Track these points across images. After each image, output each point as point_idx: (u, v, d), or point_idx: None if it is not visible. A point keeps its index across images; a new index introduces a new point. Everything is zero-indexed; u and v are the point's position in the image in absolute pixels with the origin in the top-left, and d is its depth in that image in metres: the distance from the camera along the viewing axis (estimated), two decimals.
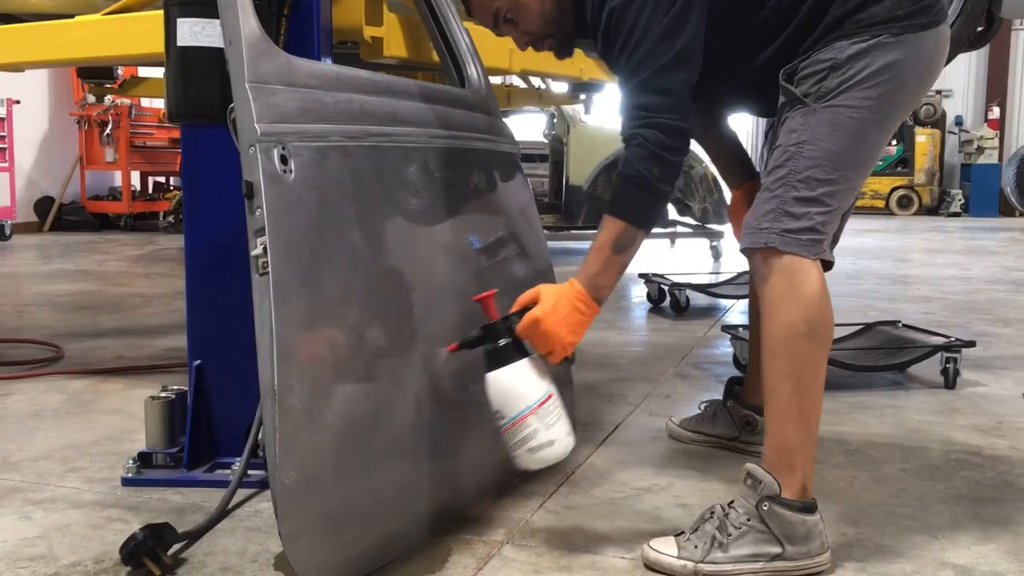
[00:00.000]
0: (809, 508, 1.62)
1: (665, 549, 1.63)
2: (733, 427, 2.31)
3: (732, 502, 1.66)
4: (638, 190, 1.65)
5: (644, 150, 1.63)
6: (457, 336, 1.73)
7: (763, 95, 1.83)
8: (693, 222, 7.03)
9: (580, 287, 1.66)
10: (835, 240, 1.86)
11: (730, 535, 1.61)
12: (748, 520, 1.62)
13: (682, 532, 1.67)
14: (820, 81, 1.67)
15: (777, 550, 1.60)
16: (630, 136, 1.66)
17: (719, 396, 2.42)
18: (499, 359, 1.65)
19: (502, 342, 1.66)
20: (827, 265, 1.75)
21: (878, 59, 1.65)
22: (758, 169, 2.07)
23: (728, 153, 2.21)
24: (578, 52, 3.54)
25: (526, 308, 1.67)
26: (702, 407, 2.41)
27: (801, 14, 1.70)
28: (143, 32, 2.43)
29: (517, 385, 1.64)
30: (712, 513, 1.66)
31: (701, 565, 1.60)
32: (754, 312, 2.19)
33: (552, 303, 1.64)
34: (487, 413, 1.67)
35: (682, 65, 1.66)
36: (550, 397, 1.65)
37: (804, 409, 1.65)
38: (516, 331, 1.65)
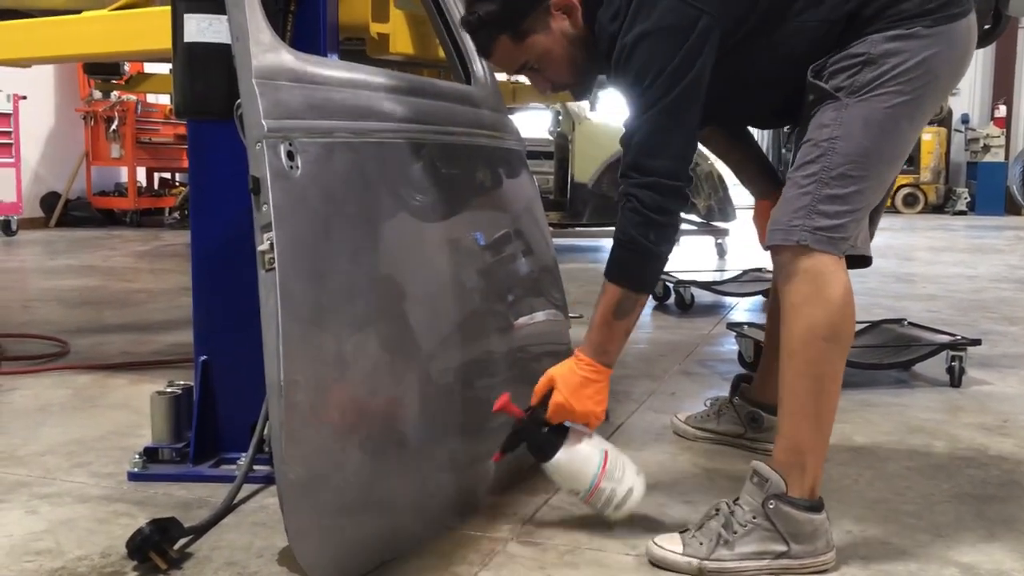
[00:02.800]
0: (816, 507, 1.62)
1: (670, 546, 1.63)
2: (739, 424, 2.31)
3: (738, 500, 1.66)
4: (634, 256, 1.67)
5: (638, 215, 1.64)
6: (461, 334, 1.73)
7: (785, 111, 1.82)
8: (698, 219, 7.03)
9: (588, 359, 1.72)
10: (870, 235, 1.83)
11: (735, 533, 1.61)
12: (754, 518, 1.62)
13: (687, 529, 1.67)
14: (854, 75, 1.63)
15: (782, 548, 1.60)
16: (626, 195, 1.66)
17: (724, 393, 2.42)
18: (548, 449, 1.74)
19: (541, 433, 1.75)
20: (866, 261, 1.74)
21: (914, 53, 1.62)
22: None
23: (752, 164, 2.18)
24: None
25: (546, 397, 1.74)
26: (707, 404, 2.41)
27: (823, 30, 1.67)
28: (150, 28, 2.43)
29: (576, 464, 1.74)
30: (718, 510, 1.66)
31: (706, 562, 1.60)
32: (773, 309, 2.17)
33: (569, 386, 1.71)
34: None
35: (689, 103, 1.64)
36: (607, 454, 1.75)
37: (820, 411, 1.64)
38: (548, 419, 1.73)
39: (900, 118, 1.65)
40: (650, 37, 1.63)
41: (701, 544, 1.62)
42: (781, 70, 1.74)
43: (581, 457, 1.74)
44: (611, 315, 1.69)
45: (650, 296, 1.69)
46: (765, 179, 2.16)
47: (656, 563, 1.63)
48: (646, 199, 1.63)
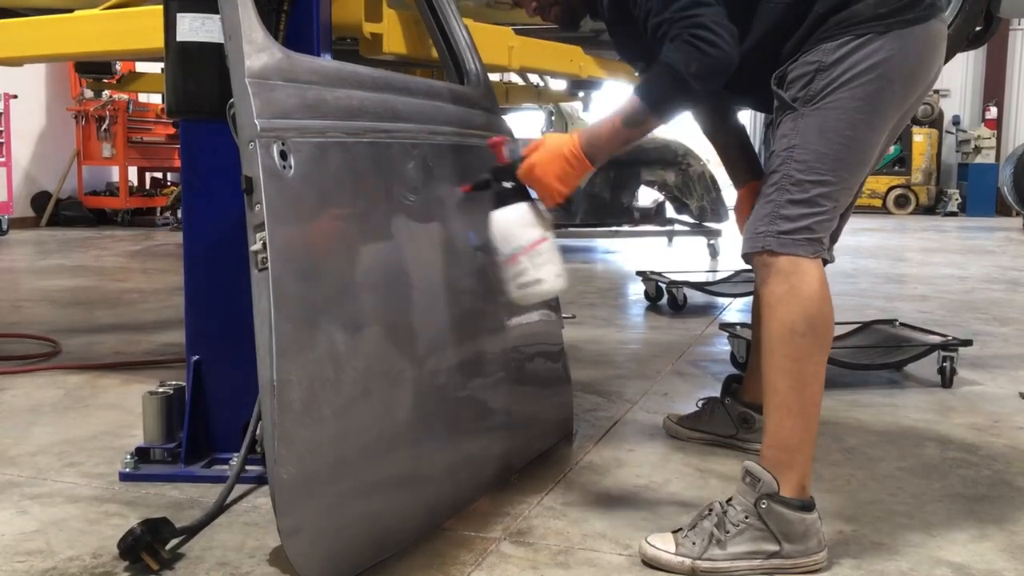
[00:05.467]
0: (807, 506, 1.63)
1: (663, 545, 1.64)
2: (730, 425, 2.31)
3: (730, 499, 1.66)
4: (667, 77, 1.65)
5: (689, 45, 1.62)
6: (454, 334, 1.73)
7: (759, 92, 1.84)
8: (691, 220, 7.04)
9: (577, 141, 1.74)
10: (834, 239, 1.86)
11: (728, 532, 1.62)
12: (746, 518, 1.62)
13: (680, 529, 1.67)
14: (807, 85, 1.67)
15: (775, 548, 1.61)
16: (676, 34, 1.63)
17: (717, 394, 2.42)
18: (502, 200, 1.77)
19: (507, 185, 1.78)
20: (824, 262, 1.75)
21: (864, 58, 1.65)
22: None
23: (735, 151, 2.21)
24: (576, 49, 3.57)
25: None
26: (699, 405, 2.41)
27: (783, 10, 1.71)
28: (142, 27, 2.43)
29: (513, 225, 1.77)
30: (710, 510, 1.66)
31: (699, 562, 1.60)
32: (756, 312, 2.19)
33: (547, 152, 1.74)
34: (486, 408, 1.68)
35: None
36: (543, 241, 1.77)
37: (803, 407, 1.65)
38: (516, 175, 1.76)
39: (855, 124, 1.67)
40: None
41: (694, 544, 1.62)
42: (757, 49, 1.75)
43: (522, 222, 1.77)
44: (620, 118, 1.71)
45: (662, 118, 1.71)
46: (746, 166, 2.19)
47: (649, 563, 1.63)
48: (697, 33, 1.62)
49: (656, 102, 1.69)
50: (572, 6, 1.97)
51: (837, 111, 1.66)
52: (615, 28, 1.93)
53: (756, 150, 2.22)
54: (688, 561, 1.61)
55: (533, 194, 1.79)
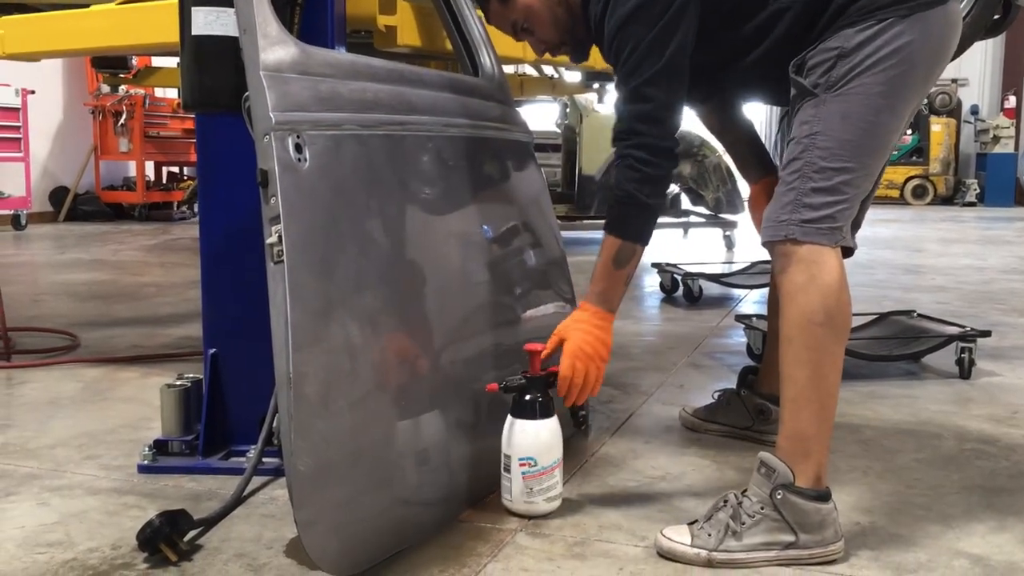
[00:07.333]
0: (823, 497, 1.62)
1: (678, 537, 1.63)
2: (746, 416, 2.30)
3: (745, 491, 1.66)
4: (631, 209, 1.77)
5: (633, 171, 1.74)
6: (469, 326, 1.74)
7: (774, 85, 1.83)
8: (706, 211, 7.01)
9: (593, 307, 1.81)
10: (857, 226, 1.86)
11: (743, 523, 1.61)
12: (762, 508, 1.62)
13: (695, 520, 1.67)
14: (828, 71, 1.66)
15: (791, 538, 1.60)
16: (620, 156, 1.76)
17: (732, 385, 2.42)
18: (540, 411, 1.80)
19: (541, 397, 1.80)
20: (848, 251, 1.75)
21: (886, 43, 1.64)
22: (776, 163, 2.07)
23: (745, 147, 2.21)
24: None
25: (556, 354, 1.82)
26: (715, 396, 2.41)
27: (801, 3, 1.71)
28: (158, 21, 2.44)
29: (555, 438, 1.82)
30: (726, 502, 1.66)
31: (715, 554, 1.60)
32: (773, 303, 2.20)
33: (578, 338, 1.79)
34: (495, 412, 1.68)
35: (671, 74, 1.73)
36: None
37: (820, 397, 1.64)
38: (560, 375, 1.78)
39: (879, 109, 1.67)
40: (630, 16, 1.73)
41: (710, 535, 1.62)
42: (763, 35, 1.77)
43: (558, 438, 1.83)
44: (611, 264, 1.79)
45: (645, 248, 1.82)
46: (757, 162, 2.18)
47: (664, 554, 1.63)
48: (640, 157, 1.73)
49: (634, 233, 1.79)
50: (579, 40, 2.01)
51: (860, 96, 1.65)
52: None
53: (773, 143, 2.22)
54: (704, 552, 1.60)
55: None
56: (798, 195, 1.67)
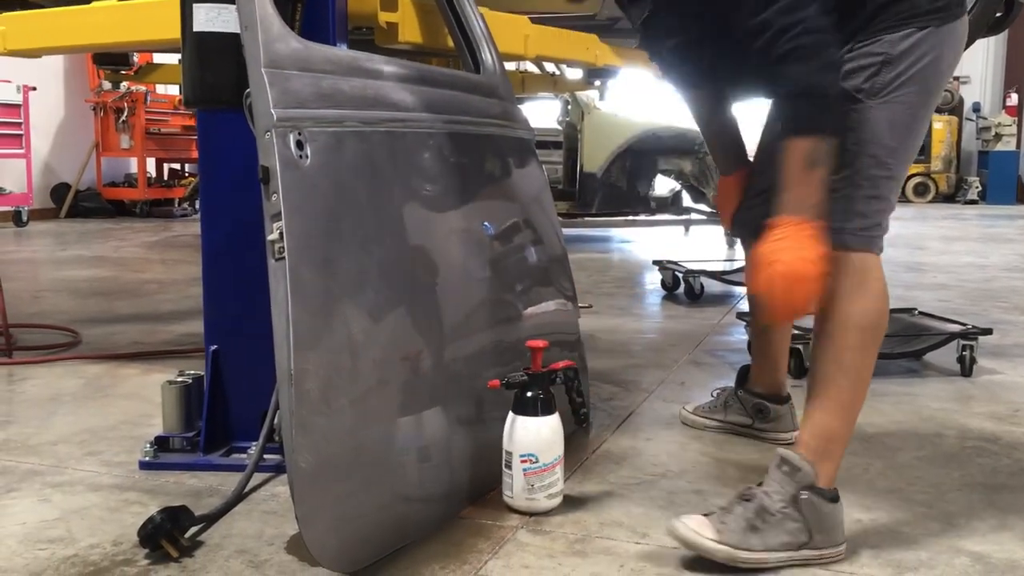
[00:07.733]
0: (836, 498, 1.63)
1: (699, 528, 1.59)
2: (746, 415, 2.30)
3: (766, 488, 1.63)
4: (818, 102, 1.57)
5: (813, 60, 1.54)
6: (471, 323, 1.74)
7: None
8: (708, 209, 7.01)
9: (801, 218, 1.58)
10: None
11: (766, 522, 1.59)
12: (784, 507, 1.60)
13: (711, 512, 1.64)
14: (873, 76, 1.66)
15: (805, 539, 1.59)
16: (784, 55, 1.54)
17: (733, 383, 2.42)
18: (541, 408, 1.80)
19: (543, 393, 1.80)
20: None
21: (927, 52, 1.66)
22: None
23: (728, 138, 2.21)
24: (592, 38, 3.55)
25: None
26: (715, 394, 2.41)
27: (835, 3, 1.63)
28: (159, 18, 2.43)
29: (557, 435, 1.82)
30: (748, 498, 1.62)
31: (739, 552, 1.57)
32: None
33: (794, 251, 1.56)
34: (497, 406, 1.68)
35: None
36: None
37: (854, 401, 1.69)
38: (758, 288, 1.59)
39: (921, 117, 1.71)
40: None
41: (733, 531, 1.58)
42: None
43: (561, 435, 1.83)
44: (805, 168, 1.58)
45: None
46: (735, 154, 2.19)
47: (684, 543, 1.59)
48: (811, 43, 1.54)
49: (829, 127, 1.60)
50: None
51: (903, 105, 1.67)
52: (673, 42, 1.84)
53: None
54: (726, 549, 1.57)
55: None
56: (849, 203, 1.68)
